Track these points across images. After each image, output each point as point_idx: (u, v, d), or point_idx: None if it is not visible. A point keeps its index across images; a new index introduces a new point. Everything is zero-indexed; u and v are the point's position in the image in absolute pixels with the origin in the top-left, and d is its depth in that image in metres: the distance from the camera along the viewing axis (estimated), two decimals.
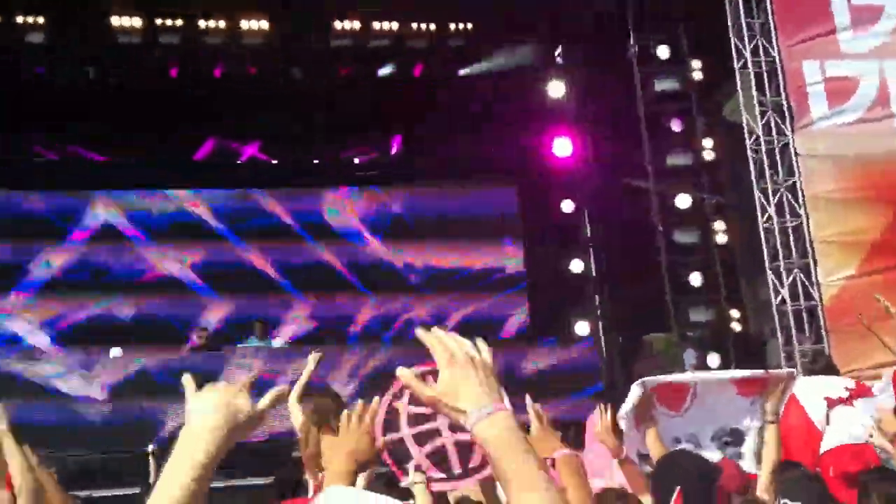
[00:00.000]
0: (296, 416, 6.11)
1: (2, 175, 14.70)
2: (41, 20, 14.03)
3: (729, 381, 5.47)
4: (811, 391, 5.86)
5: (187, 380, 1.76)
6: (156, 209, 15.34)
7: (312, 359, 6.57)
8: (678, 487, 3.41)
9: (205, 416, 1.69)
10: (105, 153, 15.28)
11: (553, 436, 2.79)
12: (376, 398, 2.37)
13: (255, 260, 15.28)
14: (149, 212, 15.32)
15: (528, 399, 2.84)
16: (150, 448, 9.51)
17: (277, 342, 12.80)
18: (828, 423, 5.77)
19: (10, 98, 13.59)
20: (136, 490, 8.86)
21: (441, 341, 1.71)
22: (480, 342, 1.75)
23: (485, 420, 1.62)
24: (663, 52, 14.65)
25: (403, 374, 1.76)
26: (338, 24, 15.00)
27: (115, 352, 12.27)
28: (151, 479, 7.02)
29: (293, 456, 7.40)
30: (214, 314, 14.76)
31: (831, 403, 5.84)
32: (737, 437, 5.40)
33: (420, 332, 1.74)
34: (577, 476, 2.73)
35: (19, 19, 13.97)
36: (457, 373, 1.67)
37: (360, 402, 2.44)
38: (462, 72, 15.61)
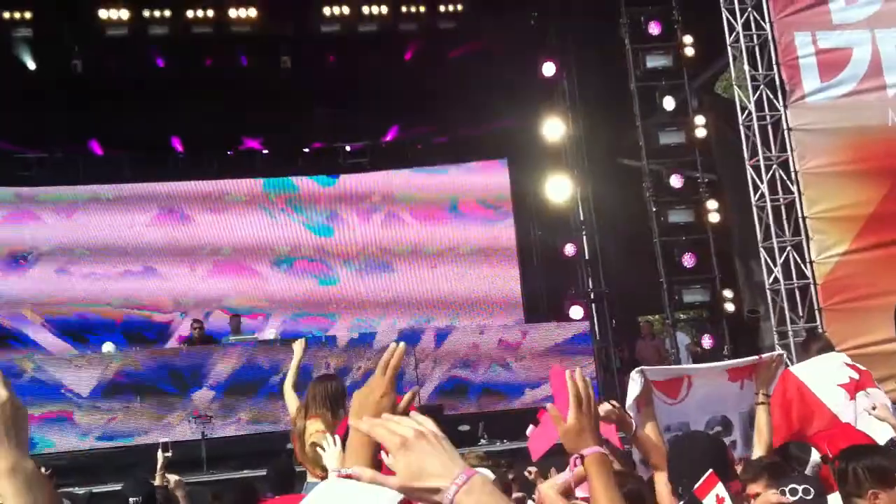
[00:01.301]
0: (291, 403, 6.14)
1: None
2: (28, 15, 13.98)
3: (722, 371, 5.54)
4: (817, 376, 5.82)
5: None
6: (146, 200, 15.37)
7: (298, 345, 6.56)
8: (710, 469, 3.33)
9: None
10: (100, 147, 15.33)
11: (590, 428, 2.58)
12: (403, 344, 2.26)
13: (242, 252, 15.34)
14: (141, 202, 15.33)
15: (567, 375, 2.60)
16: (163, 440, 9.37)
17: (269, 333, 12.84)
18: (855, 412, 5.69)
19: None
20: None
21: (384, 427, 1.66)
22: (419, 416, 1.70)
23: (462, 490, 1.57)
24: (654, 28, 14.49)
25: (365, 474, 1.68)
26: (327, 10, 14.90)
27: (108, 347, 12.31)
28: (158, 472, 6.99)
29: (287, 448, 7.46)
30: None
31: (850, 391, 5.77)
32: (727, 426, 5.45)
33: (356, 424, 1.72)
34: (605, 476, 2.54)
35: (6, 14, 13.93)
36: (414, 453, 1.61)
37: (393, 344, 2.27)
38: (453, 54, 15.50)
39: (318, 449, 4.70)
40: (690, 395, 5.40)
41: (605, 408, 4.65)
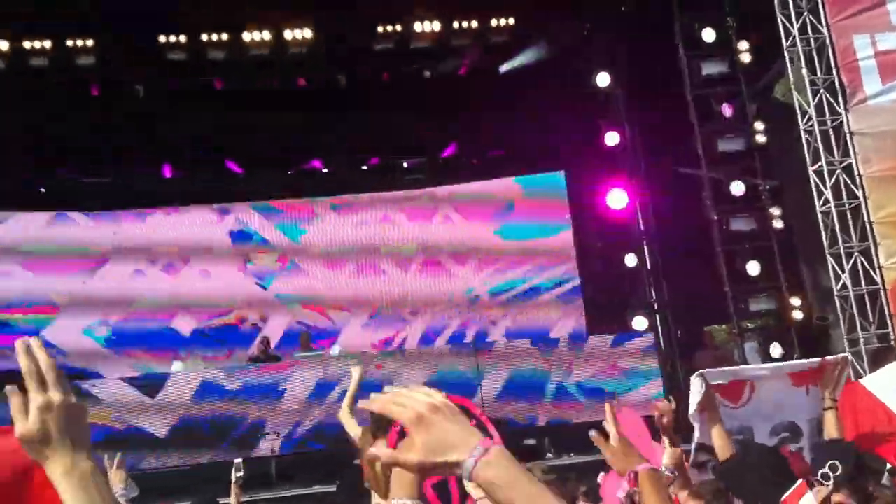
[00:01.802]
0: (350, 428, 6.15)
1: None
2: (90, 42, 14.29)
3: (784, 374, 5.48)
4: (887, 384, 5.71)
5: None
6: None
7: (356, 371, 6.57)
8: (800, 480, 3.39)
9: None
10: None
11: (633, 449, 2.78)
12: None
13: (308, 270, 15.45)
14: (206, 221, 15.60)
15: (606, 408, 2.85)
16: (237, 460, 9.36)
17: (335, 350, 12.92)
18: None
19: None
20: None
21: (396, 402, 1.61)
22: (427, 390, 1.64)
23: (481, 462, 1.55)
24: (709, 35, 14.40)
25: (383, 453, 1.65)
26: (380, 28, 15.03)
27: (177, 366, 12.47)
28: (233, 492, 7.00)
29: (355, 463, 7.49)
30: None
31: None
32: (795, 432, 5.39)
33: (367, 404, 1.64)
34: (659, 491, 2.71)
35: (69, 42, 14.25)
36: (430, 427, 1.58)
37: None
38: (506, 67, 15.54)
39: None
40: (753, 401, 5.37)
41: (663, 407, 4.65)
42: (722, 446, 4.83)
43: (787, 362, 5.94)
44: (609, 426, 2.83)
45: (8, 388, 1.59)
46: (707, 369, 5.39)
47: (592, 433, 2.78)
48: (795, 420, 5.42)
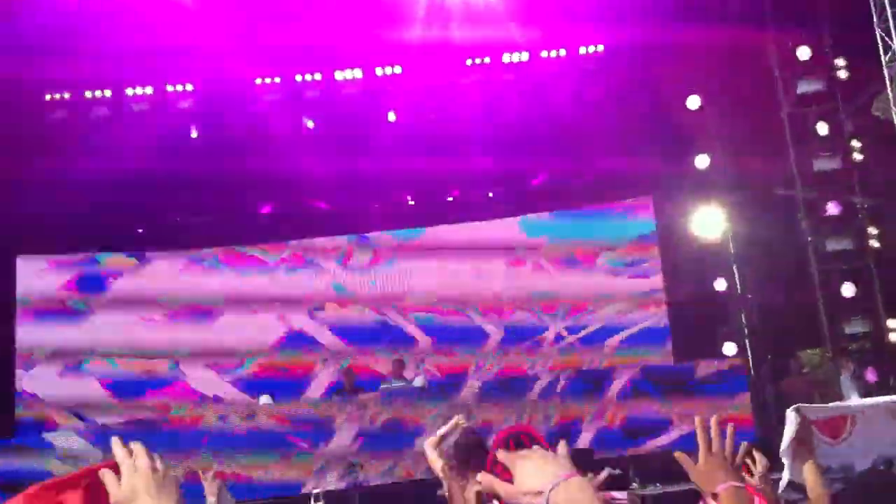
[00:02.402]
0: (434, 461, 6.20)
1: None
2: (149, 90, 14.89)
3: (885, 407, 5.28)
4: None
5: None
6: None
7: (455, 420, 6.64)
8: None
9: None
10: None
11: (722, 467, 2.47)
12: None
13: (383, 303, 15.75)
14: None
15: (696, 420, 2.56)
16: (315, 491, 9.45)
17: (418, 381, 12.94)
18: None
19: None
20: None
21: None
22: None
23: (558, 487, 1.67)
24: (804, 52, 14.04)
25: (485, 479, 1.83)
26: (469, 61, 15.16)
27: (265, 399, 12.69)
28: None
29: (439, 494, 7.51)
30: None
31: None
32: (890, 466, 5.17)
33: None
34: None
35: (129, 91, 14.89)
36: (528, 461, 1.75)
37: None
38: (594, 94, 15.42)
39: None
40: (853, 435, 5.13)
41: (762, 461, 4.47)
42: (814, 484, 4.56)
43: (889, 397, 5.67)
44: (700, 447, 2.52)
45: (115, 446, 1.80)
46: (804, 405, 5.17)
47: (678, 453, 2.55)
48: (891, 455, 5.19)
